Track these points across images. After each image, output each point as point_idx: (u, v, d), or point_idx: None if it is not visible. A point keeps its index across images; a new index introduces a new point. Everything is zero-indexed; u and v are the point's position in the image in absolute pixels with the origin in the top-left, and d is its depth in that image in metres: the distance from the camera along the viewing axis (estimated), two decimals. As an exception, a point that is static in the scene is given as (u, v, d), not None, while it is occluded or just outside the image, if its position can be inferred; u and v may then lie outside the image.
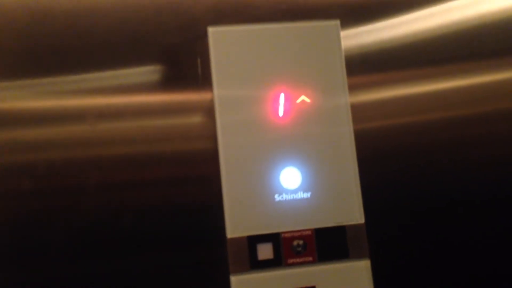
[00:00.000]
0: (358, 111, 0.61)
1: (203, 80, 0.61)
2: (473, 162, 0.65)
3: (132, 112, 0.60)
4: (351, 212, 0.57)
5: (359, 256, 0.56)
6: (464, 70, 0.66)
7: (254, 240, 0.55)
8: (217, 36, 0.58)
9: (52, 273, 0.56)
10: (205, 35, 0.58)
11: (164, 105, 0.61)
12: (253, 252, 0.55)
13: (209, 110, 0.59)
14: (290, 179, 0.57)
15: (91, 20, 0.60)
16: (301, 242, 0.56)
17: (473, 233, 0.64)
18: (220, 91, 0.57)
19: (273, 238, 0.56)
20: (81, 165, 0.58)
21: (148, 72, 0.61)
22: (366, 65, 0.65)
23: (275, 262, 0.55)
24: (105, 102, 0.59)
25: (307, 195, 0.57)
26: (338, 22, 0.60)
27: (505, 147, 0.66)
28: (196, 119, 0.61)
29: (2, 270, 0.56)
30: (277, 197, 0.56)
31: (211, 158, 0.57)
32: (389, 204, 0.62)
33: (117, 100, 0.60)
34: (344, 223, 0.57)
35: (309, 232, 0.56)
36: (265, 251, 0.55)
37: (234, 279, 0.55)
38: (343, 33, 0.61)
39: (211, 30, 0.58)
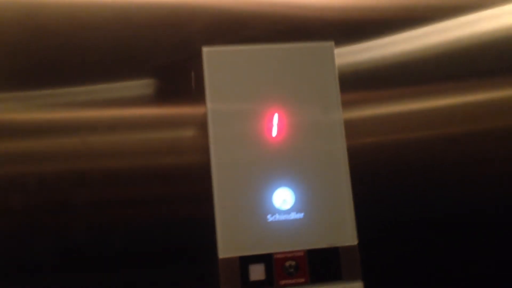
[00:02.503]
0: (351, 128, 0.61)
1: (196, 94, 0.61)
2: (470, 179, 0.65)
3: (125, 125, 0.60)
4: (344, 233, 0.57)
5: (352, 278, 0.56)
6: (456, 88, 0.67)
7: (246, 261, 0.55)
8: (212, 56, 0.58)
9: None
10: (199, 54, 0.58)
11: (157, 119, 0.60)
12: (245, 272, 0.55)
13: (202, 125, 0.58)
14: (283, 200, 0.56)
15: (86, 35, 0.61)
16: (293, 263, 0.55)
17: (469, 253, 0.63)
18: (214, 111, 0.57)
19: (266, 259, 0.55)
20: (72, 179, 0.58)
21: (141, 85, 0.61)
22: (359, 82, 0.65)
23: (267, 283, 0.55)
24: (98, 115, 0.59)
25: (300, 215, 0.56)
26: (332, 43, 0.60)
27: (499, 163, 0.66)
28: (189, 133, 0.61)
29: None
30: (270, 218, 0.56)
31: (203, 173, 0.57)
32: (382, 225, 0.62)
33: (110, 113, 0.60)
34: (337, 245, 0.56)
35: (301, 253, 0.56)
36: (257, 272, 0.55)
37: (225, 300, 0.54)
38: (337, 51, 0.61)
39: (205, 50, 0.58)
